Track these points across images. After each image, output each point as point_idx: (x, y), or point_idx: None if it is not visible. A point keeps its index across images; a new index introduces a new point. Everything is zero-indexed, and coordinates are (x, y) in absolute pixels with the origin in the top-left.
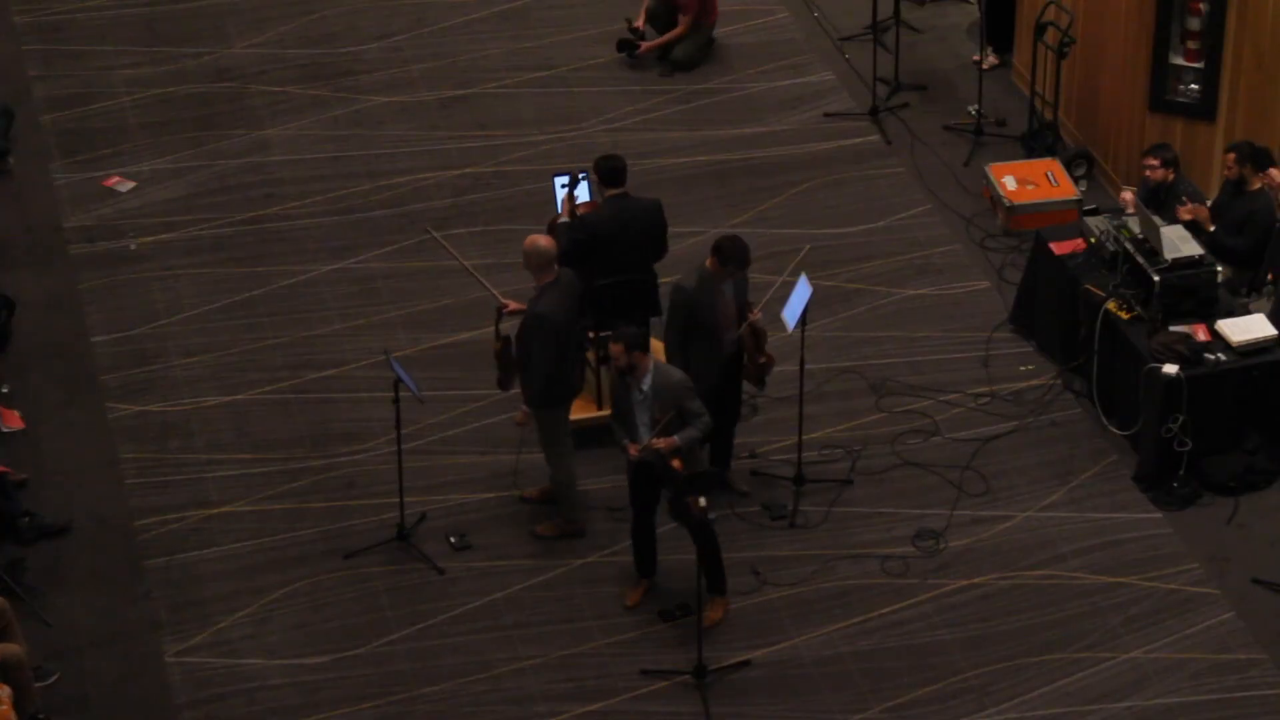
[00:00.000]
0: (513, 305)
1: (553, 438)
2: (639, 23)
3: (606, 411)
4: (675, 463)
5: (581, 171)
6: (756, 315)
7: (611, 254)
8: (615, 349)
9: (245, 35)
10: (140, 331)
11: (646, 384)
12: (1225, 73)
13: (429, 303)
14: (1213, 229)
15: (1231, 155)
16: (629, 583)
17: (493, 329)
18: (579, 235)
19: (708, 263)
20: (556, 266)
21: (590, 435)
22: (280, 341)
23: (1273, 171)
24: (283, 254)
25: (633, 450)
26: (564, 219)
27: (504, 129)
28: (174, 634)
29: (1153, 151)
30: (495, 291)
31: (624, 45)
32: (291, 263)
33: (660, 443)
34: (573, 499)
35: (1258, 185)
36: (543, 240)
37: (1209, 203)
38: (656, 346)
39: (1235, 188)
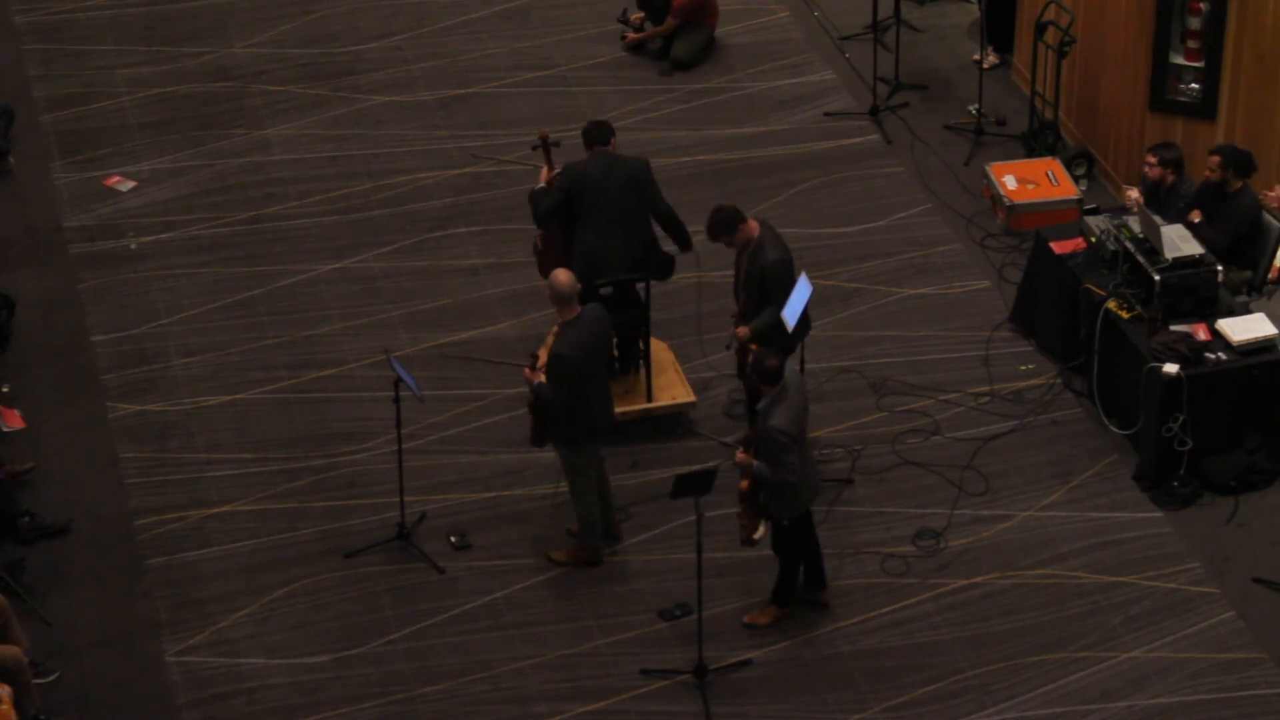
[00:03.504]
0: (539, 377)
1: (575, 474)
2: (636, 16)
3: None
4: (744, 482)
5: (553, 139)
6: (741, 332)
7: (597, 205)
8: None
9: (245, 35)
10: (140, 331)
11: (762, 404)
12: (1225, 72)
13: (429, 303)
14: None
15: (1217, 159)
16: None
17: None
18: (563, 184)
19: None
20: (578, 305)
21: None
22: (280, 341)
23: (1278, 188)
24: (283, 254)
25: (738, 457)
26: (541, 186)
27: (504, 129)
28: (174, 634)
29: (1153, 149)
30: (518, 363)
31: (623, 21)
32: (291, 263)
33: (740, 456)
34: (594, 531)
35: (1239, 185)
36: (561, 275)
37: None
38: (659, 345)
39: (1218, 190)
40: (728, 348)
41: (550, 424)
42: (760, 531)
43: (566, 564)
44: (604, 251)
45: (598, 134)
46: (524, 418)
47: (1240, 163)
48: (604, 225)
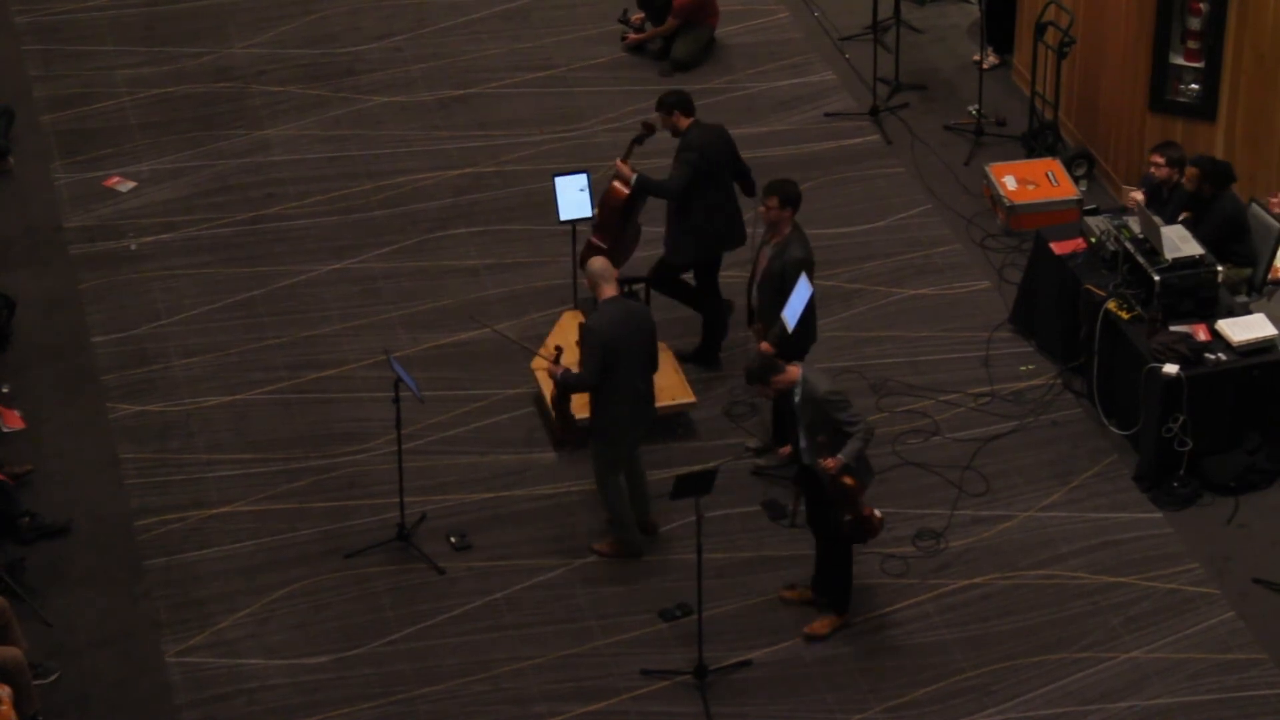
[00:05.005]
0: (560, 370)
1: (602, 468)
2: (637, 17)
3: None
4: (847, 479)
5: (646, 133)
6: (765, 348)
7: (716, 177)
8: (760, 390)
9: (245, 35)
10: (140, 331)
11: (797, 396)
12: (1225, 73)
13: (429, 303)
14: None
15: (1194, 170)
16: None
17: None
18: (694, 158)
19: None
20: (616, 287)
21: (585, 436)
22: (280, 341)
23: None
24: (283, 254)
25: (783, 451)
26: (638, 175)
27: (504, 129)
28: (174, 634)
29: (1159, 149)
30: (543, 354)
31: (623, 22)
32: (291, 263)
33: (828, 463)
34: (625, 524)
35: (1217, 190)
36: (595, 259)
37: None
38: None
39: (1192, 197)
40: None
41: (593, 418)
42: (879, 514)
43: (609, 555)
44: (724, 222)
45: (690, 105)
46: (524, 418)
47: (1218, 174)
48: (720, 195)
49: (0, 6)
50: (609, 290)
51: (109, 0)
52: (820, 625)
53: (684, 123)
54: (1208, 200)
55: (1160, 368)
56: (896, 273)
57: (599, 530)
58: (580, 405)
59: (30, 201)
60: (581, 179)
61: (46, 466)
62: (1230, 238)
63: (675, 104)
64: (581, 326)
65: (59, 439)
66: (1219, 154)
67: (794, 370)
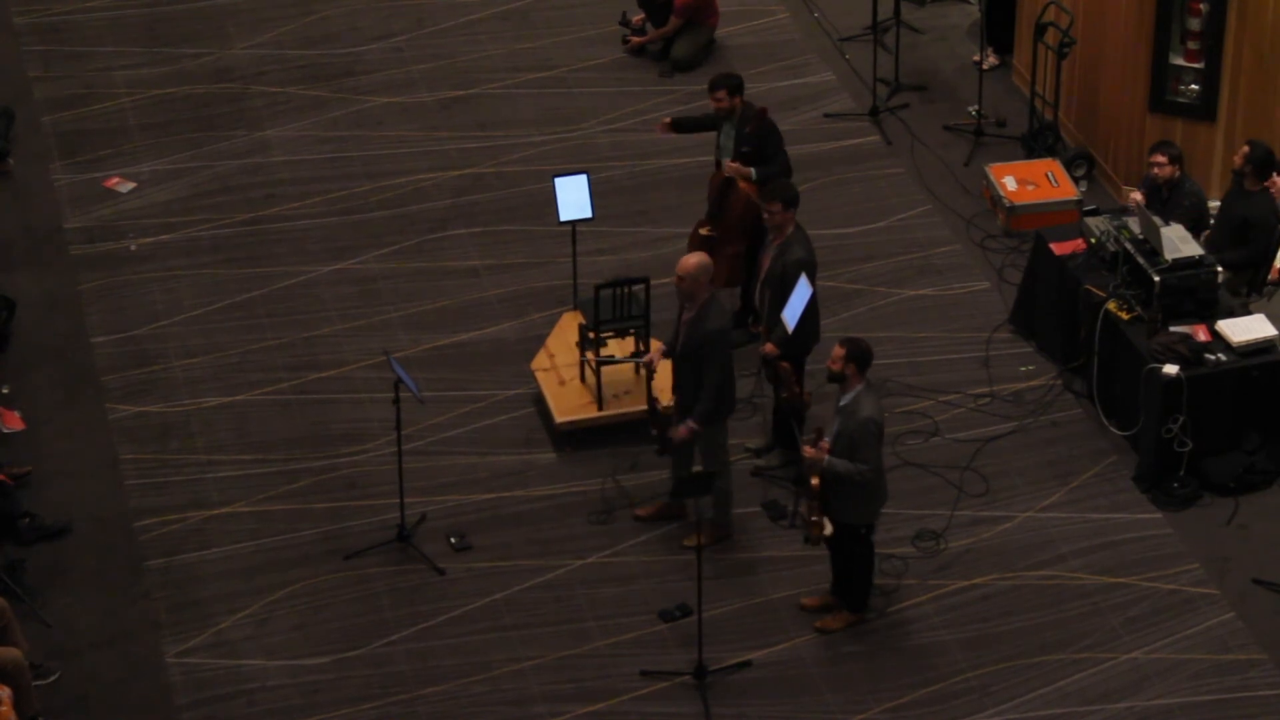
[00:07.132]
0: (657, 359)
1: (718, 450)
2: (637, 18)
3: (606, 412)
4: (814, 479)
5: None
6: (770, 349)
7: None
8: (839, 351)
9: (245, 35)
10: (140, 332)
11: (844, 400)
12: (1225, 73)
13: (429, 303)
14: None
15: (1246, 149)
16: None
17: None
18: (780, 141)
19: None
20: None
21: (585, 437)
22: (280, 342)
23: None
24: (283, 255)
25: (807, 451)
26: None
27: (504, 130)
28: (174, 634)
29: (1160, 148)
30: (646, 357)
31: (624, 24)
32: (291, 263)
33: (809, 451)
34: (728, 506)
35: (1256, 188)
36: (692, 261)
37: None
38: (658, 346)
39: (1238, 184)
40: (759, 371)
41: (704, 408)
42: (829, 529)
43: (708, 544)
44: None
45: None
46: (524, 419)
47: (1263, 163)
48: None
49: (0, 7)
50: (708, 290)
51: (109, 0)
52: (833, 620)
53: (739, 103)
54: (1237, 199)
55: (1160, 368)
56: (896, 273)
57: (605, 529)
58: (663, 392)
59: (30, 202)
60: (581, 180)
61: (46, 467)
62: (1268, 245)
63: (739, 87)
64: (717, 331)
65: (59, 439)
66: (1217, 155)
67: (856, 380)
